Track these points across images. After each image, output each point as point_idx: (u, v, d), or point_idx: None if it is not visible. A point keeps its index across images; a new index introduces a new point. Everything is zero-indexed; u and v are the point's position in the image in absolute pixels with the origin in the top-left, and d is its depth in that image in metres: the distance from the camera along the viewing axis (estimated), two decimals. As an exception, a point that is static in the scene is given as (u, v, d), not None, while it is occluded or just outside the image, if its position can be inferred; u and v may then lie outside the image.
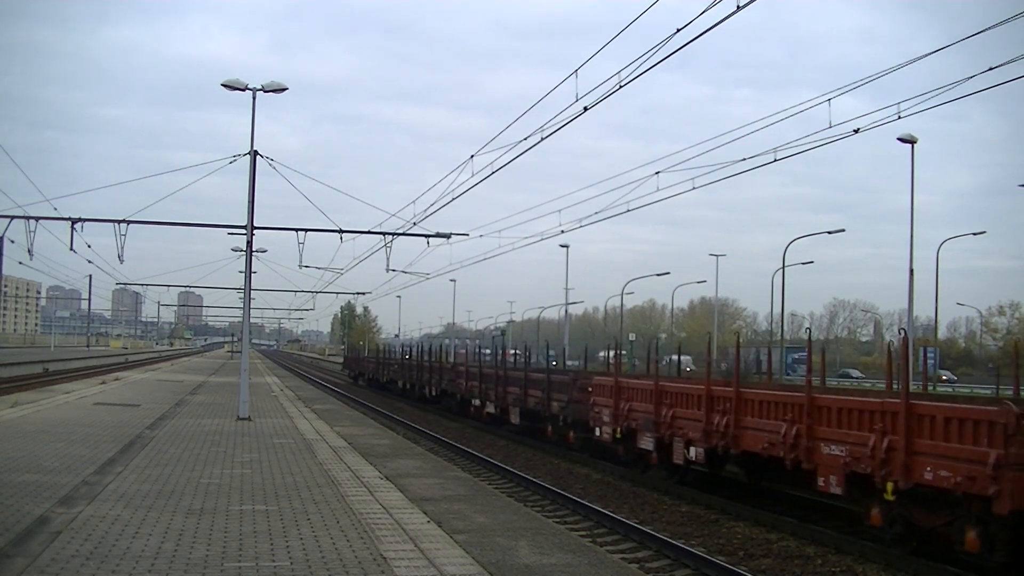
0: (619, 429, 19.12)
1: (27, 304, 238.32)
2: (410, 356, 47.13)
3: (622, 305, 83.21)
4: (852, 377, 76.99)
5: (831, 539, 13.03)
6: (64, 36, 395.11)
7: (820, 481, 12.92)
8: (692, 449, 16.18)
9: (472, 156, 22.48)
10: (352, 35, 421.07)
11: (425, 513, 11.06)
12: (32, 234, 25.66)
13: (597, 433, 20.32)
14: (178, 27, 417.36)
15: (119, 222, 25.14)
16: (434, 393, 37.93)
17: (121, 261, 26.74)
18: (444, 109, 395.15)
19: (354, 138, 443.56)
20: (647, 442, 17.88)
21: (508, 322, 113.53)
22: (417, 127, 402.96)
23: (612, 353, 23.66)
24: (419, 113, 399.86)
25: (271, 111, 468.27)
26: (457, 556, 8.76)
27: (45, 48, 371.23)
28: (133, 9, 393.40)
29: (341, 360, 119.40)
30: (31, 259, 26.90)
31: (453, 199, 25.45)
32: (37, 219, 25.75)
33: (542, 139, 18.55)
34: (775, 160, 18.31)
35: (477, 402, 30.89)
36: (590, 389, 21.23)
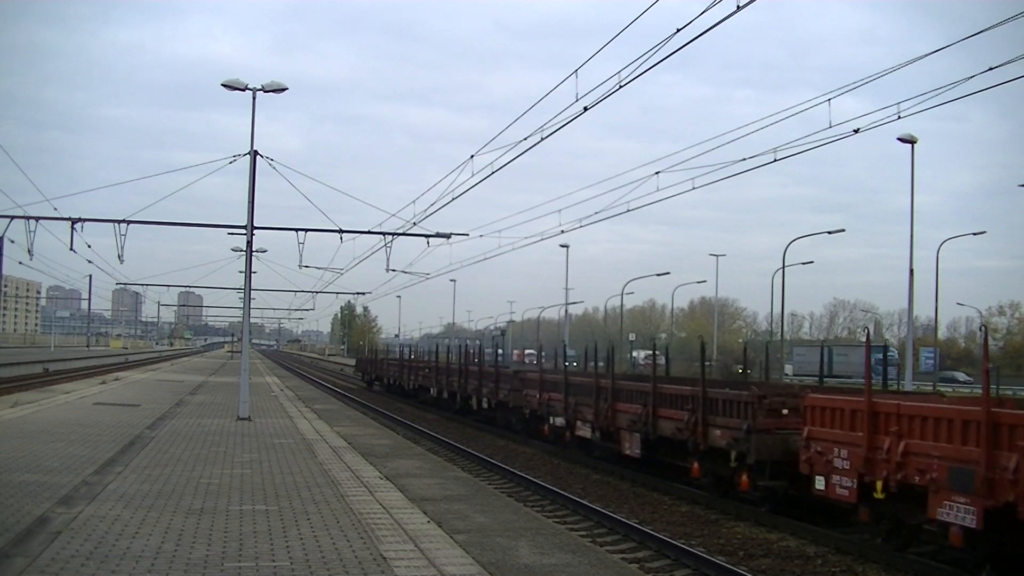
0: (883, 483, 11.87)
1: (27, 304, 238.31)
2: (448, 358, 38.70)
3: (622, 305, 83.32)
4: (960, 381, 67.66)
5: (831, 539, 13.02)
6: (66, 37, 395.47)
7: None
8: None
9: (472, 156, 22.51)
10: (354, 36, 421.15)
11: (425, 513, 11.06)
12: (32, 234, 25.71)
13: (819, 486, 13.28)
14: (180, 28, 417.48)
15: (119, 222, 25.17)
16: (488, 405, 30.50)
17: (121, 261, 26.80)
18: (445, 109, 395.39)
19: (355, 138, 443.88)
20: (955, 512, 10.63)
21: (508, 322, 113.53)
22: (418, 127, 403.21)
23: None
24: (420, 113, 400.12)
25: (272, 111, 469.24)
26: (457, 556, 8.76)
27: (47, 48, 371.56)
28: (135, 10, 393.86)
29: (340, 360, 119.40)
30: (31, 259, 26.96)
31: (453, 199, 25.46)
32: (37, 219, 25.78)
33: (542, 139, 18.58)
34: (775, 160, 18.28)
35: (559, 421, 23.34)
36: (785, 412, 14.94)
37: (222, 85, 22.78)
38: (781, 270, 54.63)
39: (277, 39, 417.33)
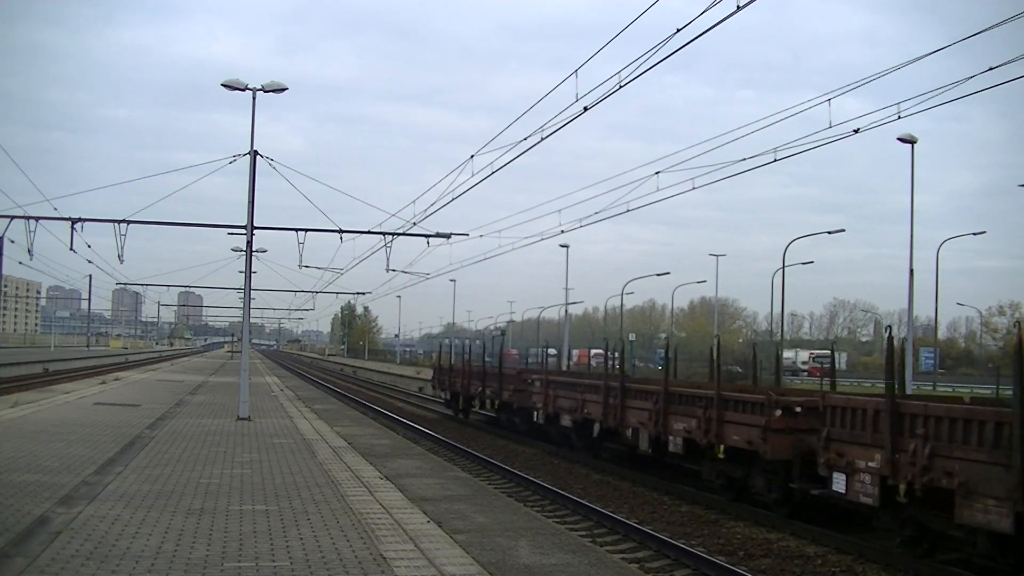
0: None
1: (27, 304, 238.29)
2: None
3: (622, 305, 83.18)
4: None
5: (831, 539, 13.03)
6: (70, 38, 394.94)
7: None
8: None
9: (472, 156, 22.49)
10: (356, 37, 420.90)
11: (425, 513, 11.06)
12: (32, 234, 25.70)
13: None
14: (183, 29, 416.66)
15: (119, 222, 25.17)
16: None
17: (121, 261, 26.80)
18: (448, 110, 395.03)
19: (357, 139, 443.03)
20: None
21: (508, 322, 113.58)
22: (420, 128, 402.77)
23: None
24: (423, 114, 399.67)
25: (275, 112, 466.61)
26: (457, 556, 8.76)
27: (50, 49, 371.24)
28: (138, 11, 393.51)
29: (341, 359, 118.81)
30: (31, 259, 26.95)
31: (453, 199, 25.43)
32: (37, 219, 25.77)
33: (542, 139, 18.57)
34: (775, 160, 18.27)
35: None
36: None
37: (222, 85, 22.76)
38: (781, 270, 54.62)
39: (280, 40, 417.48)
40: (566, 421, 22.49)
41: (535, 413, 24.89)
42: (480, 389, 30.37)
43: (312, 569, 7.82)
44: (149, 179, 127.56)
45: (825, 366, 75.33)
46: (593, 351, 71.62)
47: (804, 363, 79.71)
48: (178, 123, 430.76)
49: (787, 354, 67.76)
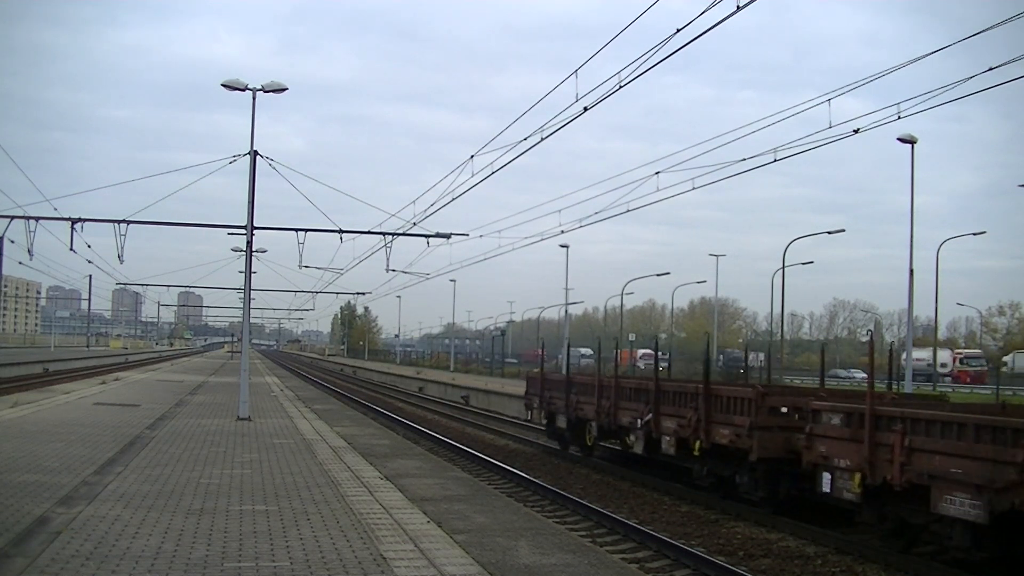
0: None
1: (27, 304, 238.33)
2: None
3: (622, 305, 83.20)
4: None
5: (831, 539, 13.02)
6: (71, 38, 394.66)
7: None
8: None
9: (472, 156, 22.50)
10: (358, 37, 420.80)
11: (425, 513, 11.05)
12: (32, 234, 25.67)
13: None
14: (185, 29, 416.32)
15: (119, 222, 25.15)
16: None
17: (121, 261, 26.77)
18: (449, 111, 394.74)
19: (358, 139, 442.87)
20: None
21: (508, 322, 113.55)
22: (422, 129, 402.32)
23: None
24: (424, 115, 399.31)
25: (277, 112, 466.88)
26: (457, 556, 8.76)
27: (51, 49, 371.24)
28: (140, 11, 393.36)
29: (341, 360, 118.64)
30: (31, 259, 26.91)
31: (453, 199, 25.42)
32: (37, 219, 25.75)
33: (542, 139, 18.57)
34: (775, 160, 18.25)
35: None
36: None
37: (222, 85, 22.76)
38: (781, 270, 54.52)
39: (282, 41, 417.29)
40: (961, 510, 10.38)
41: (825, 477, 13.05)
42: (646, 418, 18.33)
43: (312, 569, 7.82)
44: (149, 179, 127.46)
45: (979, 368, 67.64)
46: (641, 351, 61.29)
47: (944, 366, 65.15)
48: (179, 123, 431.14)
49: (919, 354, 54.25)
